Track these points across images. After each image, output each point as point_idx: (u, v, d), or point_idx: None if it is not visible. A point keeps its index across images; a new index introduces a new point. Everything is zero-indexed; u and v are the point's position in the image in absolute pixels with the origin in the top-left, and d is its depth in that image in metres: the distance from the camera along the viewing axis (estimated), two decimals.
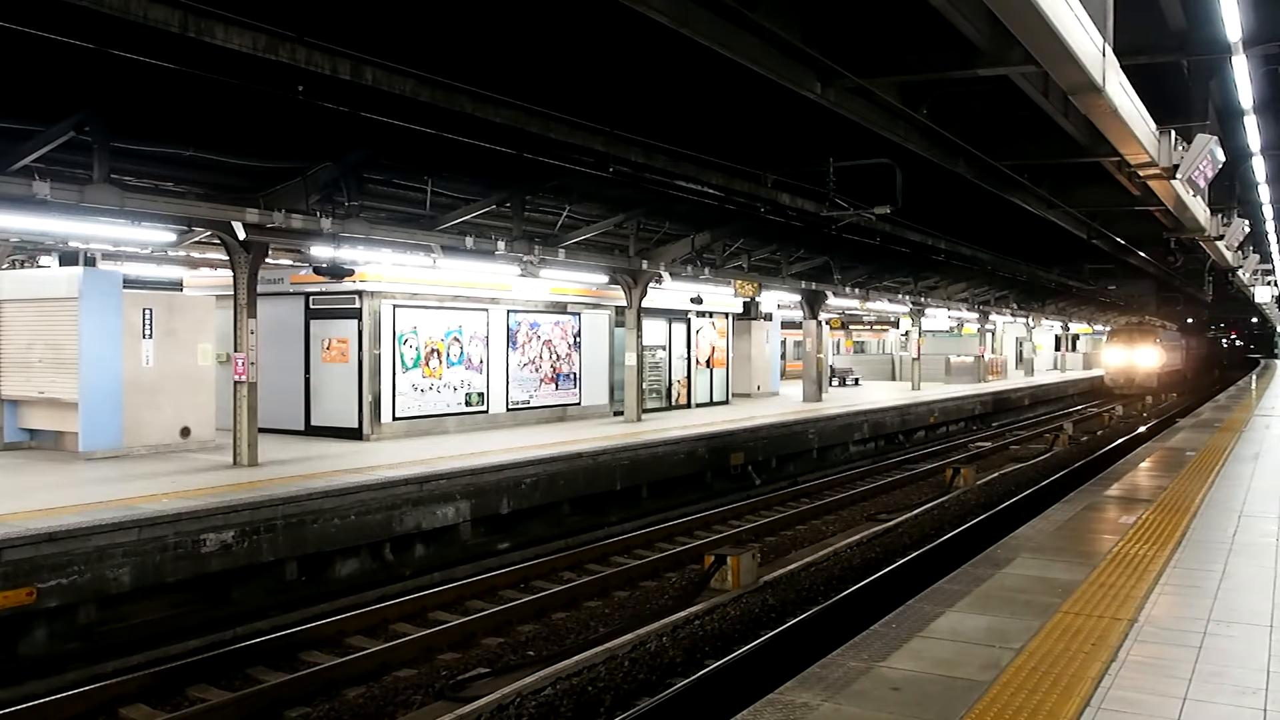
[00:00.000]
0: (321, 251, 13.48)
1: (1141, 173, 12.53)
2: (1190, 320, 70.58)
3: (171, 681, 7.89)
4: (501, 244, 14.72)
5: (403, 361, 16.04)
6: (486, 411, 17.55)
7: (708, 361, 23.73)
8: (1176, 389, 46.86)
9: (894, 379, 40.08)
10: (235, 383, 12.64)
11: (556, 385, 19.17)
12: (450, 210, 14.41)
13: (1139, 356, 43.29)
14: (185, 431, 13.96)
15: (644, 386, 20.16)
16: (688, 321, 22.83)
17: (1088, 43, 7.71)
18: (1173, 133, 11.72)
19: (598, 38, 9.44)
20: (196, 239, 13.06)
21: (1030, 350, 46.94)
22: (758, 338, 27.96)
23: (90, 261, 16.45)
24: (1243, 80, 10.85)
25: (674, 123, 12.46)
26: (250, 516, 9.89)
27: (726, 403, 24.15)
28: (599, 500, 14.62)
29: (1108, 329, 51.38)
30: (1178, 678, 4.97)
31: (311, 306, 16.35)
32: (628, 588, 10.99)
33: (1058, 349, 55.46)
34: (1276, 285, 40.48)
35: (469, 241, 14.26)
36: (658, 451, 15.72)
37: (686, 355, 22.91)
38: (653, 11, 7.56)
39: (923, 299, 31.81)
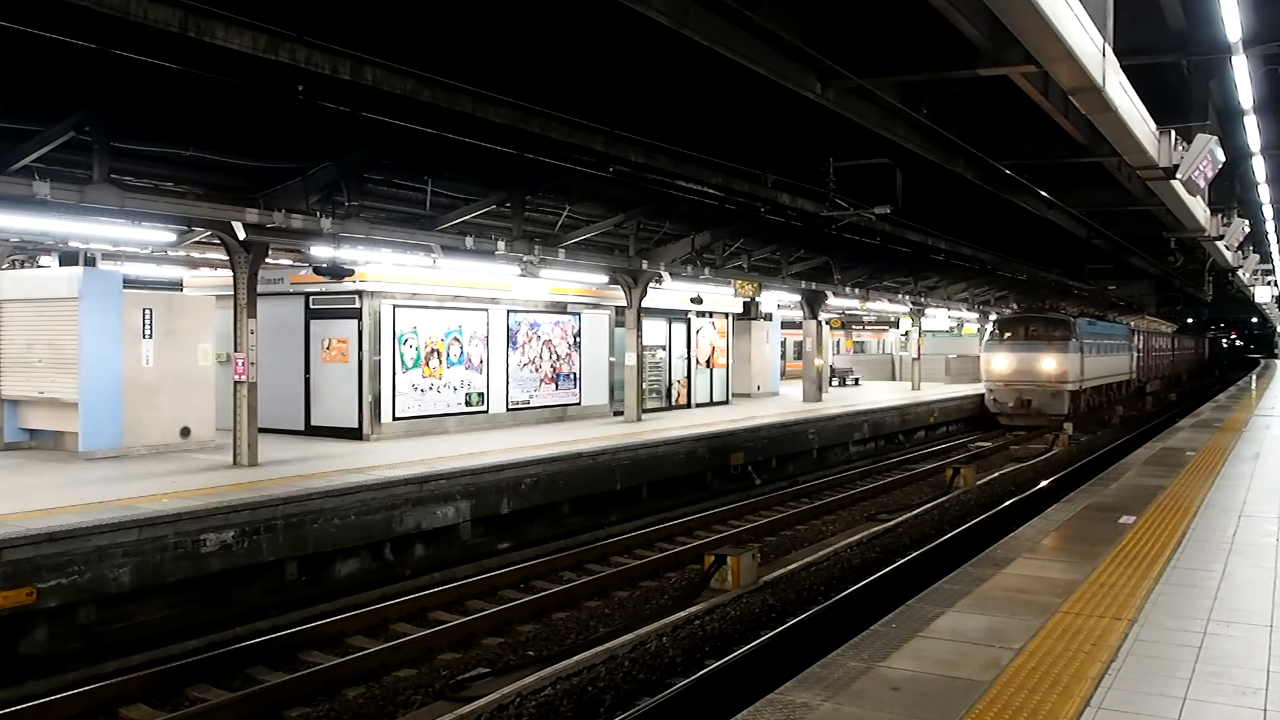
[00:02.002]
0: (321, 251, 13.48)
1: (1141, 173, 12.53)
2: (1152, 310, 52.55)
3: (171, 681, 7.89)
4: (501, 244, 14.72)
5: (403, 361, 16.04)
6: (486, 411, 17.55)
7: (707, 361, 23.73)
8: (1114, 413, 32.27)
9: (894, 379, 40.06)
10: (235, 383, 12.64)
11: (556, 385, 19.16)
12: (450, 210, 14.41)
13: (1041, 364, 28.33)
14: (185, 431, 13.96)
15: (644, 386, 20.16)
16: (688, 321, 22.83)
17: (1088, 43, 7.71)
18: (1173, 133, 11.71)
19: (598, 38, 9.44)
20: (196, 239, 13.06)
21: None
22: (758, 338, 27.95)
23: (90, 261, 16.44)
24: (1243, 80, 10.85)
25: (674, 123, 12.46)
26: (250, 516, 9.89)
27: (726, 403, 24.15)
28: (599, 500, 14.62)
29: (993, 320, 33.76)
30: (1178, 678, 4.97)
31: (311, 306, 16.34)
32: (628, 588, 10.99)
33: None
34: (1276, 285, 40.37)
35: (469, 241, 14.26)
36: (658, 451, 15.72)
37: (686, 355, 22.91)
38: (652, 11, 7.56)
39: (923, 299, 31.81)
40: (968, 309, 36.30)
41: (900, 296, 30.72)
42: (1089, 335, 30.40)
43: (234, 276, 12.63)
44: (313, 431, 16.10)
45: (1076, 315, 31.35)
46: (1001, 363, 28.90)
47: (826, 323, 32.14)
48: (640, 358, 19.28)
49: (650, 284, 18.92)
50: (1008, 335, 29.60)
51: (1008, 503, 15.32)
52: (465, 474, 12.29)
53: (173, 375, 13.77)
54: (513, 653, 8.72)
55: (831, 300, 26.40)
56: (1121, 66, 9.07)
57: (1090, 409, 30.77)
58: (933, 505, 15.25)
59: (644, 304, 19.06)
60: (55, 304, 13.28)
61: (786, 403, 25.11)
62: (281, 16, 8.02)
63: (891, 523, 13.77)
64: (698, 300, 22.10)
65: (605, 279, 18.65)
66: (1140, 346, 40.44)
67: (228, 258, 12.66)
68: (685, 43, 8.30)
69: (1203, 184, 12.47)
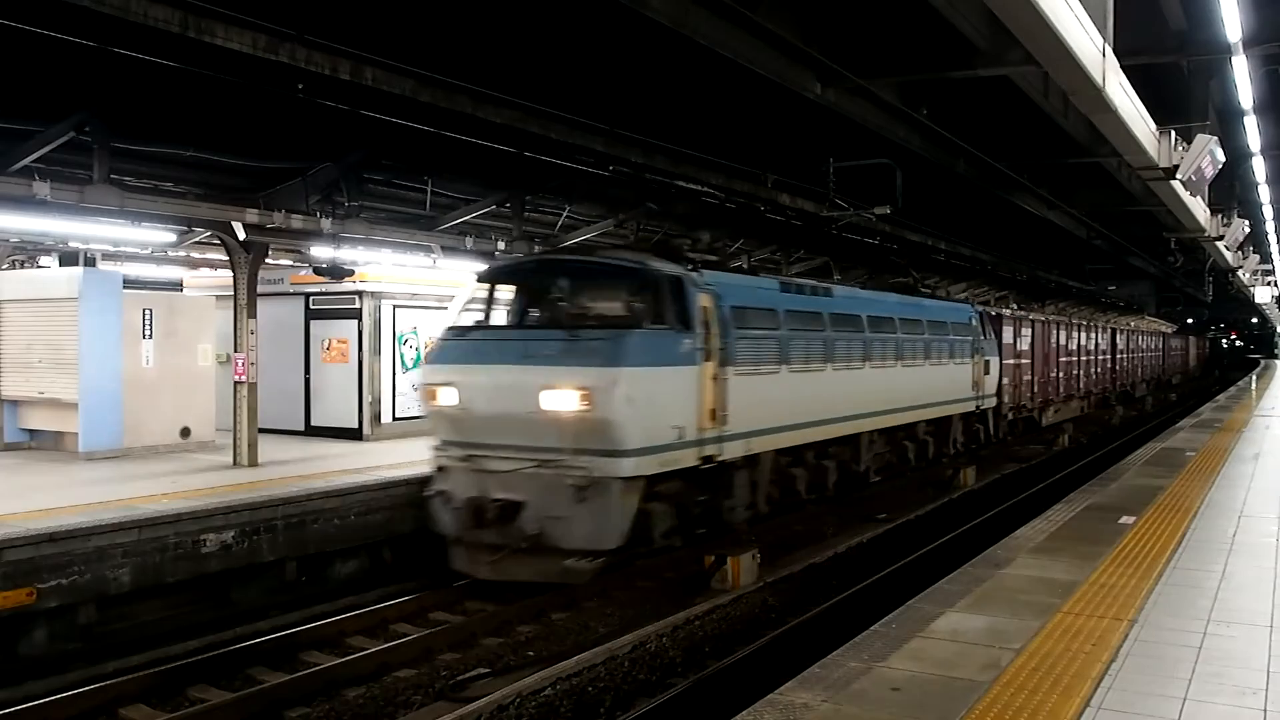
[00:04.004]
0: (321, 252, 13.48)
1: (1141, 173, 12.54)
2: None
3: (172, 682, 7.88)
4: (501, 244, 14.71)
5: (403, 362, 16.03)
6: None
7: None
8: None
9: None
10: (235, 383, 12.63)
11: None
12: (450, 210, 14.41)
13: (539, 397, 9.26)
14: (185, 432, 13.96)
15: None
16: None
17: (1088, 43, 7.72)
18: (1173, 133, 11.73)
19: (598, 38, 9.44)
20: (196, 239, 13.06)
21: None
22: None
23: (90, 262, 16.42)
24: (1243, 80, 10.87)
25: (674, 123, 12.47)
26: (250, 517, 9.89)
27: None
28: None
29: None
30: (1178, 678, 4.97)
31: (311, 307, 16.34)
32: (627, 588, 10.97)
33: None
34: (1277, 285, 40.36)
35: (469, 242, 14.25)
36: None
37: None
38: (652, 11, 7.57)
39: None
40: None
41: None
42: (764, 316, 11.87)
43: (234, 277, 12.63)
44: (313, 432, 16.10)
45: (712, 258, 12.33)
46: (451, 394, 10.05)
47: None
48: None
49: None
50: (491, 315, 11.26)
51: (1008, 503, 15.31)
52: None
53: (173, 375, 13.77)
54: (513, 653, 8.72)
55: None
56: (1121, 66, 9.08)
57: (768, 512, 12.34)
58: (933, 505, 15.24)
59: None
60: (55, 304, 13.28)
61: None
62: (281, 17, 8.03)
63: (892, 523, 13.76)
64: None
65: None
66: (1027, 346, 23.52)
67: (228, 258, 12.66)
68: (685, 43, 8.31)
69: (1203, 184, 12.49)
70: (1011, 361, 22.32)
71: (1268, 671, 5.07)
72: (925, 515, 14.59)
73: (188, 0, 7.39)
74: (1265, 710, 4.56)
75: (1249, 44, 9.74)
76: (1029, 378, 23.91)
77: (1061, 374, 27.22)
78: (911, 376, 16.28)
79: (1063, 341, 27.58)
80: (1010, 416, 22.56)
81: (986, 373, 19.80)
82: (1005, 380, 21.44)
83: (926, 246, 22.82)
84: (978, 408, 19.53)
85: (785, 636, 8.71)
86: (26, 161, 9.71)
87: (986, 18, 8.14)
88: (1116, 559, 7.48)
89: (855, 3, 9.61)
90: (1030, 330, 24.35)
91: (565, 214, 16.29)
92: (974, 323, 19.64)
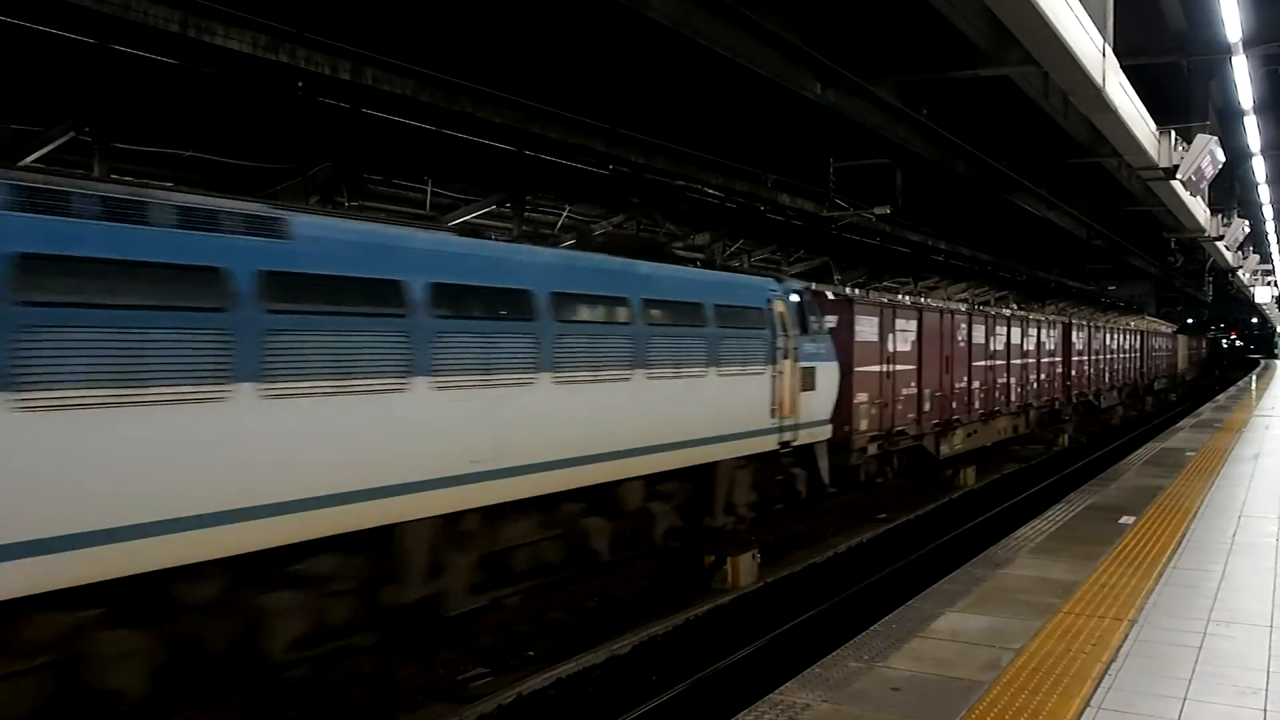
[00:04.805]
0: None
1: (1141, 173, 12.56)
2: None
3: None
4: None
5: None
6: None
7: None
8: None
9: None
10: None
11: None
12: (450, 210, 14.41)
13: None
14: None
15: None
16: None
17: (1088, 43, 7.73)
18: (1173, 133, 11.75)
19: (598, 38, 9.45)
20: None
21: None
22: None
23: None
24: (1243, 80, 10.90)
25: (674, 123, 12.48)
26: None
27: None
28: None
29: None
30: (1178, 678, 4.97)
31: None
32: (628, 588, 10.96)
33: None
34: (1276, 285, 40.38)
35: None
36: None
37: None
38: (653, 12, 7.58)
39: (922, 299, 31.85)
40: (967, 309, 36.44)
41: (900, 297, 30.76)
42: None
43: None
44: None
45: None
46: None
47: None
48: None
49: None
50: None
51: (1008, 503, 15.32)
52: None
53: None
54: (513, 654, 8.71)
55: None
56: (1121, 66, 9.10)
57: None
58: (933, 505, 15.25)
59: None
60: None
61: None
62: (281, 16, 8.03)
63: (892, 523, 13.76)
64: None
65: None
66: (908, 346, 16.84)
67: None
68: (685, 43, 8.32)
69: (1203, 184, 12.52)
70: (876, 369, 15.51)
71: (1267, 671, 5.07)
72: (925, 515, 14.60)
73: None
74: (1265, 710, 4.56)
75: (1249, 44, 9.77)
76: (911, 391, 16.76)
77: (978, 383, 19.90)
78: (596, 401, 9.05)
79: (979, 340, 20.08)
80: (874, 450, 15.65)
81: (809, 387, 12.72)
82: (862, 396, 14.91)
83: (926, 246, 22.83)
84: (786, 444, 12.29)
85: (785, 636, 8.72)
86: (26, 162, 9.71)
87: (986, 18, 8.15)
88: (1116, 559, 7.48)
89: (855, 3, 9.62)
90: (914, 323, 17.10)
91: (565, 214, 16.30)
92: (776, 309, 12.04)
